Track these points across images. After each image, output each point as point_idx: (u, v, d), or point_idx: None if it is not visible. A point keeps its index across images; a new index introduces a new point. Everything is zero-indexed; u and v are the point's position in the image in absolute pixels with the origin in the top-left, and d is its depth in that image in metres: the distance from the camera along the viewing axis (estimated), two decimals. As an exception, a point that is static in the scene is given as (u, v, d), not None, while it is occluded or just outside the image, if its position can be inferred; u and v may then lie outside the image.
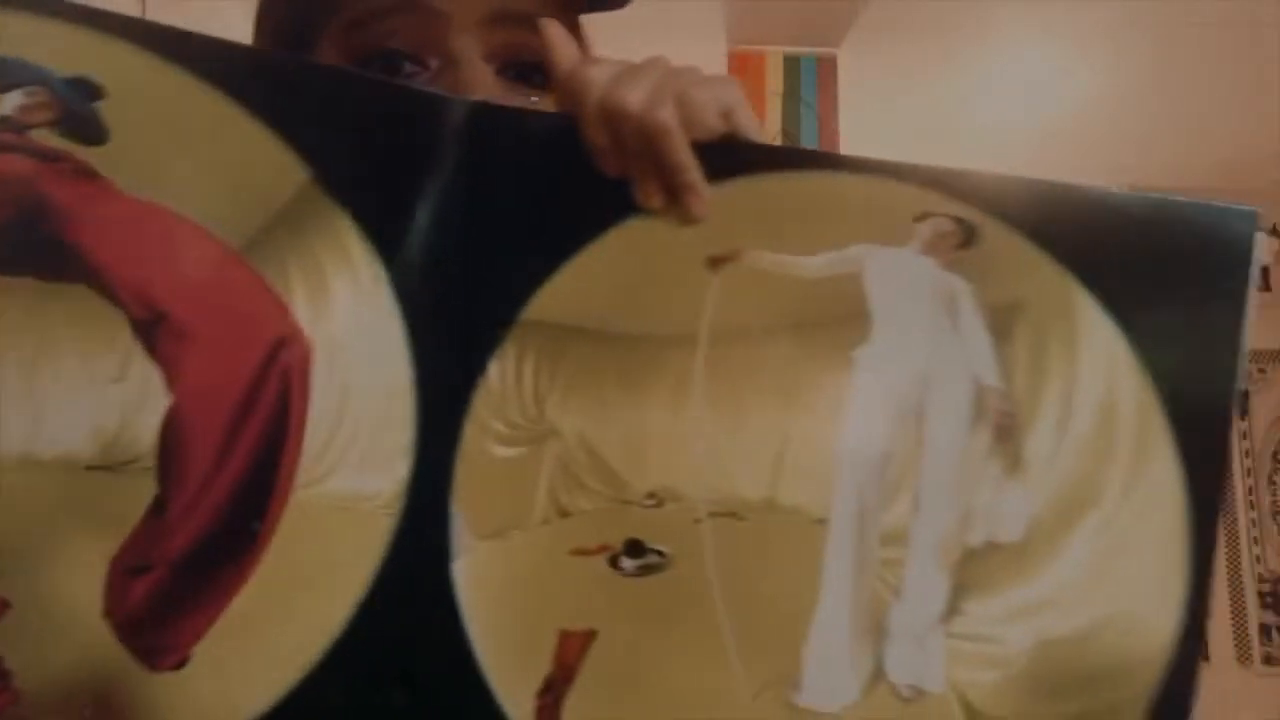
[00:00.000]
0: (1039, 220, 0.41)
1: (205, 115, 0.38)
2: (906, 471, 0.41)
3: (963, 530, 0.41)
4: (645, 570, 0.41)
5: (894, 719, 0.40)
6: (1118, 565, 0.40)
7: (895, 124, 3.61)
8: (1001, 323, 0.41)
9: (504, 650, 0.39)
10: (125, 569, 0.36)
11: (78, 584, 0.36)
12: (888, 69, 3.23)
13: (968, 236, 0.41)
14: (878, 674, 0.40)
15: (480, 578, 0.40)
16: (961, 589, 0.41)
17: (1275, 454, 4.21)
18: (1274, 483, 4.19)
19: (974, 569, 0.41)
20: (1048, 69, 3.24)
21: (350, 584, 0.38)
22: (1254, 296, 0.41)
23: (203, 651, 0.37)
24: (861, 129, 3.16)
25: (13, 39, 0.36)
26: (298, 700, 0.37)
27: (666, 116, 0.39)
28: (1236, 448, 4.20)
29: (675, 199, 0.40)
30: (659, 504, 0.41)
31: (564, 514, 0.41)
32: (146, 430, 0.37)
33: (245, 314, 0.38)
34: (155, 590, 0.36)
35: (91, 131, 0.36)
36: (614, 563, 0.41)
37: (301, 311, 0.38)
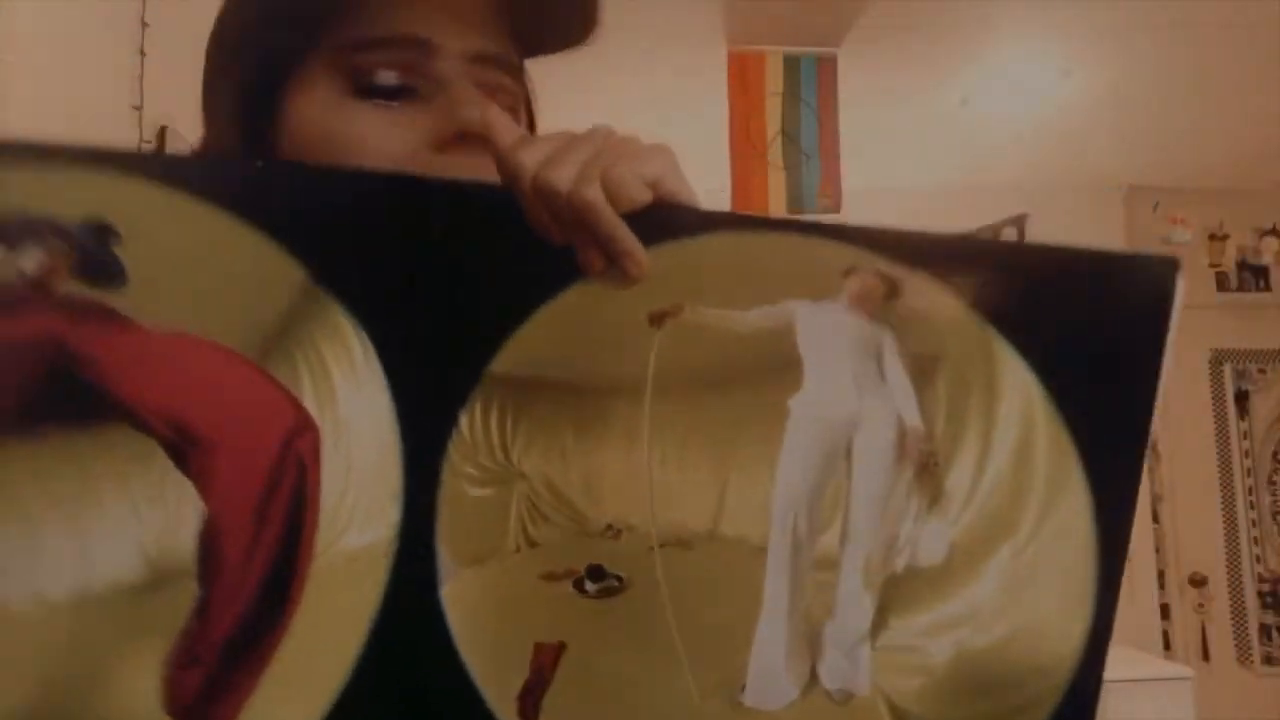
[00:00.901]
0: (960, 274, 0.44)
1: (207, 234, 0.40)
2: (837, 505, 0.45)
3: (888, 557, 0.45)
4: (606, 592, 0.45)
5: (827, 718, 0.45)
6: (1029, 588, 0.44)
7: (895, 124, 3.61)
8: (924, 370, 0.45)
9: (489, 660, 0.44)
10: (178, 666, 0.39)
11: (138, 691, 0.39)
12: (888, 69, 3.23)
13: (891, 290, 0.44)
14: (813, 680, 0.45)
15: (465, 600, 0.44)
16: (887, 607, 0.45)
17: (1275, 454, 4.21)
18: (1274, 483, 4.19)
19: (898, 590, 0.45)
20: (1048, 69, 3.25)
21: (361, 619, 0.43)
22: (1173, 342, 0.43)
23: (248, 711, 0.41)
24: (861, 129, 3.16)
25: (22, 191, 0.38)
26: None
27: (593, 194, 0.42)
28: (1236, 448, 4.20)
29: (613, 264, 0.43)
30: (616, 535, 0.45)
31: (533, 544, 0.45)
32: (187, 541, 0.39)
33: (262, 416, 0.41)
34: (206, 678, 0.39)
35: (112, 276, 0.38)
36: (578, 586, 0.45)
37: (309, 400, 0.42)
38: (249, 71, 0.51)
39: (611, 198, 0.42)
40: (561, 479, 0.45)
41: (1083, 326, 0.44)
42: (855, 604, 0.44)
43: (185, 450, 0.39)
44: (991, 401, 0.44)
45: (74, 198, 0.38)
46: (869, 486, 0.44)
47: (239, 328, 0.41)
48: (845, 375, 0.45)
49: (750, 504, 0.45)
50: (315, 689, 0.42)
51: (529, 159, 0.43)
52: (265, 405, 0.41)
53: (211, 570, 0.39)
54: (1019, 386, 0.44)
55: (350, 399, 0.43)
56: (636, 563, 0.45)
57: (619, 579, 0.45)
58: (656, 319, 0.45)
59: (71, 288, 0.37)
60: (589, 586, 0.45)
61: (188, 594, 0.39)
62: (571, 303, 0.44)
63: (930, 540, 0.44)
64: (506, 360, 0.45)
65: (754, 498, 0.45)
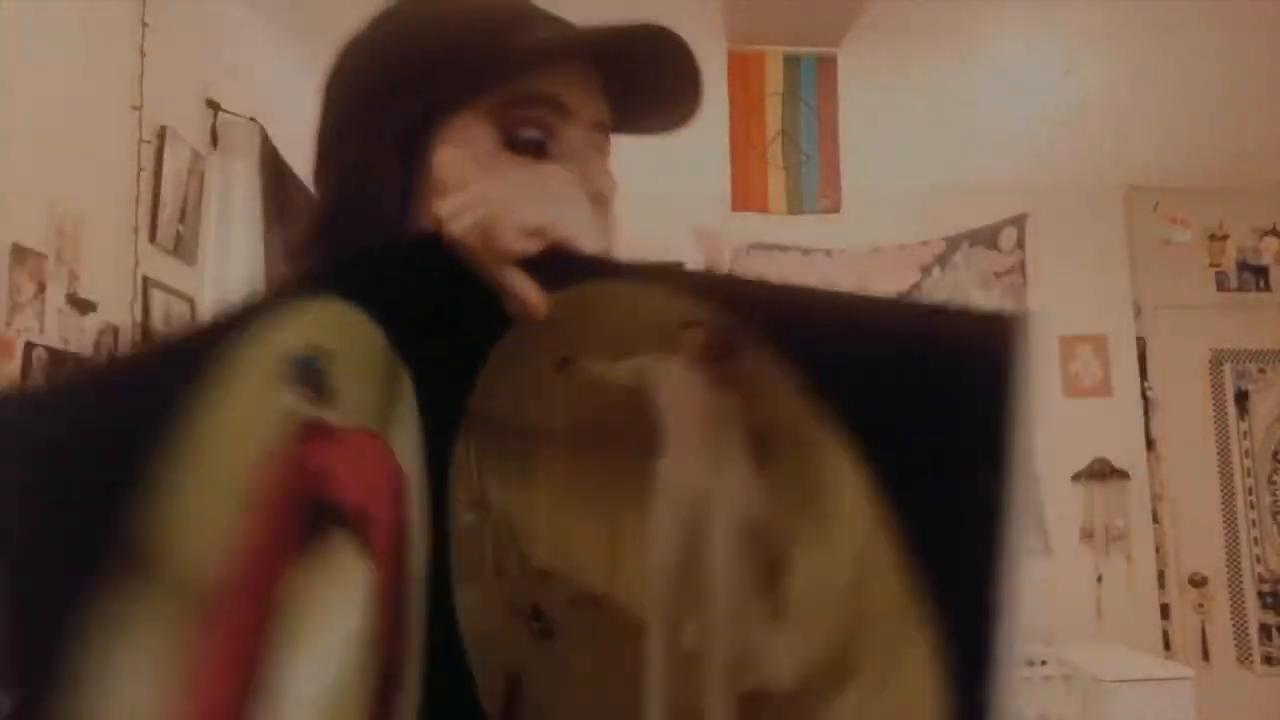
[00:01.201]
0: (786, 333, 0.36)
1: (349, 328, 0.43)
2: (699, 593, 0.39)
3: (740, 666, 0.37)
4: (543, 634, 0.46)
5: None
6: None
7: (895, 124, 3.61)
8: (763, 448, 0.37)
9: (479, 669, 0.48)
10: None
11: None
12: (888, 69, 3.23)
13: (723, 348, 0.38)
14: None
15: (465, 609, 0.48)
16: None
17: (1275, 454, 4.21)
18: (1274, 483, 4.19)
19: (754, 712, 0.37)
20: (1048, 69, 3.25)
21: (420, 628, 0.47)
22: (1036, 434, 0.28)
23: None
24: (861, 129, 3.16)
25: (264, 336, 0.39)
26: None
27: (472, 243, 0.45)
28: (1236, 448, 4.20)
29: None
30: (547, 580, 0.46)
31: (501, 572, 0.48)
32: (367, 613, 0.42)
33: (389, 486, 0.45)
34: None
35: (326, 393, 0.41)
36: (526, 623, 0.47)
37: (402, 457, 0.45)
38: (404, 119, 0.54)
39: (487, 246, 0.44)
40: (513, 515, 0.47)
41: (911, 409, 0.31)
42: (718, 716, 0.38)
43: (364, 533, 0.42)
44: (823, 498, 0.34)
45: (289, 331, 0.40)
46: (720, 578, 0.38)
47: (378, 408, 0.44)
48: (699, 443, 0.39)
49: (634, 574, 0.42)
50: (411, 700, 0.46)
51: (444, 210, 0.46)
52: (389, 476, 0.45)
53: (381, 631, 0.43)
54: (848, 485, 0.33)
55: (410, 445, 0.46)
56: (563, 611, 0.46)
57: (552, 624, 0.46)
58: (559, 366, 0.45)
59: (309, 411, 0.40)
60: (533, 625, 0.47)
61: (369, 661, 0.42)
62: (508, 345, 0.46)
63: (778, 658, 0.36)
64: (476, 396, 0.47)
65: (634, 568, 0.41)
